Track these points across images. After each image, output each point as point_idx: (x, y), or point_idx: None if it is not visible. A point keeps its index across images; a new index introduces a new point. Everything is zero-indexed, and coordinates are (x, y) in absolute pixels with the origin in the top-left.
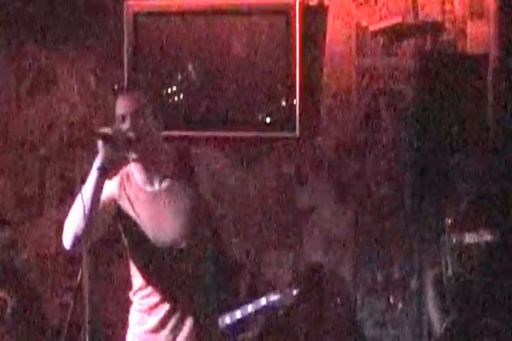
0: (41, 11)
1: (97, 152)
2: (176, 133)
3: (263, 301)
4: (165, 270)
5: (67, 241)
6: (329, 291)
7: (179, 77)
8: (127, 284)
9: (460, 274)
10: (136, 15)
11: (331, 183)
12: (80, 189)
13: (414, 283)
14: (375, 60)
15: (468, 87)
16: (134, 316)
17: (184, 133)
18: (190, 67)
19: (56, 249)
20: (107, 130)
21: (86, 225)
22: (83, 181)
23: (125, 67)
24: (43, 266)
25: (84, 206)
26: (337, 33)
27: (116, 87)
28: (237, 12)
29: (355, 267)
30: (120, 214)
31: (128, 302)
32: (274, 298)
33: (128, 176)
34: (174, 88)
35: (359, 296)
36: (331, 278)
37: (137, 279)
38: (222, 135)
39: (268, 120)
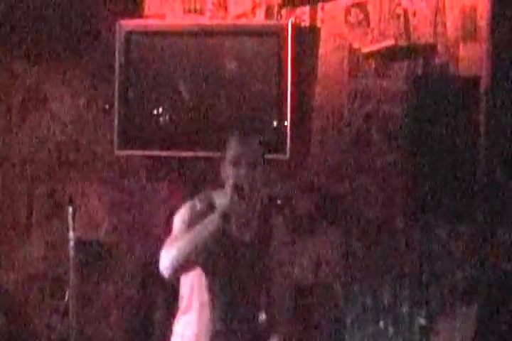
0: (32, 29)
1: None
2: (165, 153)
3: None
4: None
5: (168, 271)
6: (318, 315)
7: (170, 97)
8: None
9: None
10: (128, 34)
11: (321, 206)
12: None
13: (405, 308)
14: (367, 82)
15: (460, 110)
16: None
17: (173, 153)
18: (181, 87)
19: (44, 270)
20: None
21: (193, 261)
22: (71, 201)
23: (116, 86)
24: (30, 287)
25: (196, 244)
26: (329, 55)
27: (107, 106)
28: (229, 33)
29: (345, 291)
30: None
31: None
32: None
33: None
34: (165, 108)
35: (349, 321)
36: (319, 302)
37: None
38: (211, 155)
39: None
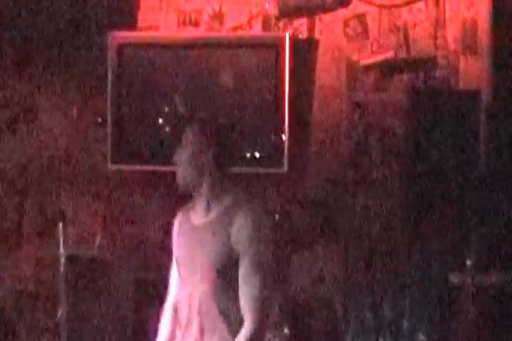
0: (22, 40)
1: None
2: (159, 168)
3: None
4: None
5: None
6: (318, 331)
7: (165, 111)
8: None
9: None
10: (120, 47)
11: (320, 221)
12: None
13: (405, 324)
14: (366, 95)
15: (460, 123)
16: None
17: (168, 168)
18: (176, 100)
19: (34, 287)
20: None
21: None
22: (63, 216)
23: (109, 99)
24: (20, 305)
25: None
26: (327, 68)
27: (99, 119)
28: (225, 45)
29: (344, 307)
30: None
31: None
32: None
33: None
34: (159, 121)
35: (348, 337)
36: (319, 317)
37: None
38: None
39: (256, 155)
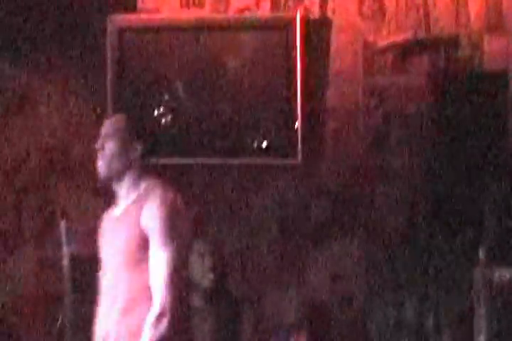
0: (17, 25)
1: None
2: (162, 160)
3: None
4: None
5: None
6: (336, 333)
7: (166, 98)
8: None
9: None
10: (120, 30)
11: (337, 214)
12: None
13: (429, 325)
14: (383, 79)
15: (486, 107)
16: None
17: (171, 160)
18: (179, 86)
19: (35, 290)
20: None
21: None
22: (65, 213)
23: (108, 86)
24: (21, 309)
25: None
26: (342, 50)
27: (98, 110)
28: (231, 27)
29: (365, 307)
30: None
31: None
32: None
33: None
34: (161, 110)
35: (368, 338)
36: (337, 319)
37: None
38: (213, 162)
39: (266, 145)
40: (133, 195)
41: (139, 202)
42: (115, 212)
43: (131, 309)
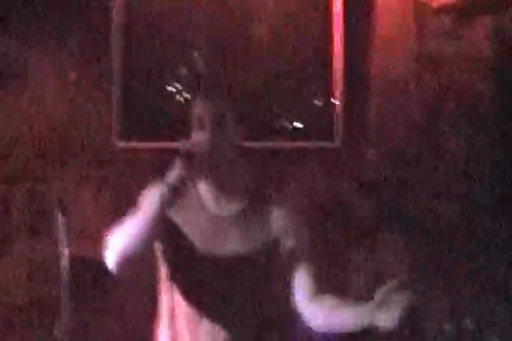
0: None
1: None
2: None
3: None
4: None
5: (111, 261)
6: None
7: (183, 73)
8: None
9: None
10: None
11: (381, 204)
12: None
13: (491, 336)
14: (438, 45)
15: None
16: None
17: None
18: (197, 59)
19: (27, 295)
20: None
21: (136, 245)
22: (61, 207)
23: (113, 59)
24: (11, 316)
25: (138, 225)
26: (390, 10)
27: (105, 85)
28: None
29: (415, 314)
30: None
31: None
32: None
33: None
34: (177, 86)
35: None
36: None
37: None
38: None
39: (299, 126)
40: None
41: None
42: None
43: None
